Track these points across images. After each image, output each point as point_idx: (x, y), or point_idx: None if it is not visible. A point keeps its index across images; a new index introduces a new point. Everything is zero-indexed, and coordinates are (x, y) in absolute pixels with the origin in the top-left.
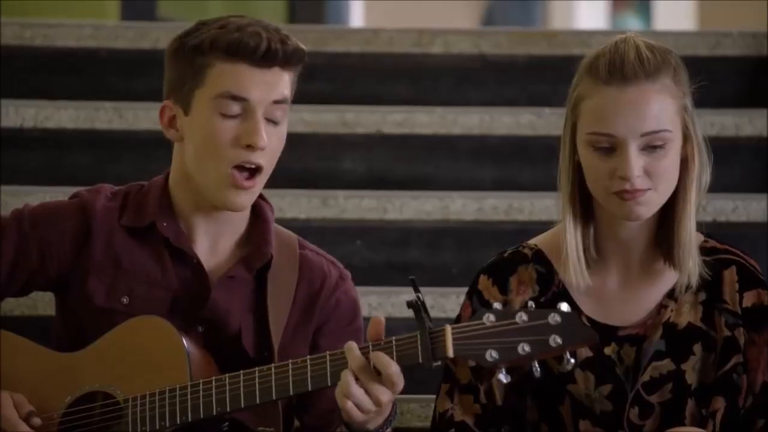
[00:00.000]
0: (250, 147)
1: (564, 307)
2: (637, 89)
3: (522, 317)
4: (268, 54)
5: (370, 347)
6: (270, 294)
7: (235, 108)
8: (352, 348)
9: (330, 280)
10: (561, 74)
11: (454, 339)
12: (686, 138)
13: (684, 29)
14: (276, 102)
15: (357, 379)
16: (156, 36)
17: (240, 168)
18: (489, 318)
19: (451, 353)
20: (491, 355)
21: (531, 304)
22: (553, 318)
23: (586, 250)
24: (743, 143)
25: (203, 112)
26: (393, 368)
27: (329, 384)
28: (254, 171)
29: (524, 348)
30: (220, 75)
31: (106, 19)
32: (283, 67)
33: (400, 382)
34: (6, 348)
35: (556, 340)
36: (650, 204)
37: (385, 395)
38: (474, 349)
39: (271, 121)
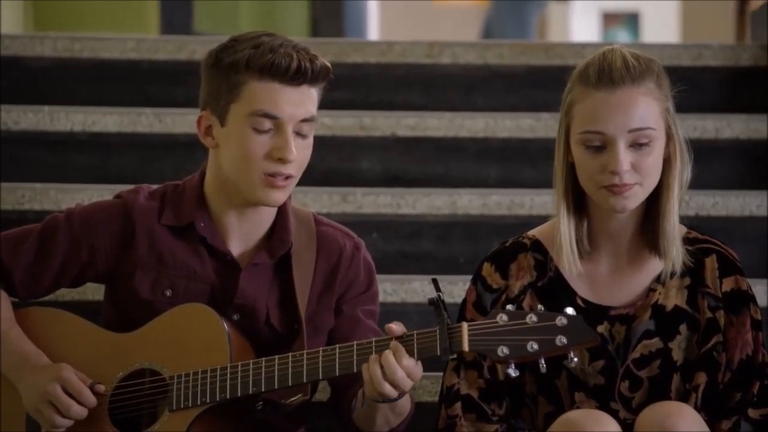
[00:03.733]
0: (281, 160)
1: (570, 310)
2: (624, 92)
3: (532, 318)
4: (298, 73)
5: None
6: (294, 273)
7: (267, 124)
8: (373, 364)
9: (346, 252)
10: (558, 82)
11: (469, 335)
12: (669, 138)
13: (669, 42)
14: (304, 120)
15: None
16: (192, 48)
17: (271, 175)
18: (502, 317)
19: (466, 347)
20: (502, 351)
21: (540, 307)
22: (560, 320)
23: (579, 241)
24: (723, 145)
25: (238, 126)
26: (411, 366)
27: (355, 371)
28: (285, 177)
29: (533, 346)
30: (254, 93)
31: (147, 33)
32: (311, 84)
33: (419, 374)
34: (63, 325)
35: (561, 340)
36: (635, 198)
37: (407, 385)
38: (487, 345)
39: (300, 135)
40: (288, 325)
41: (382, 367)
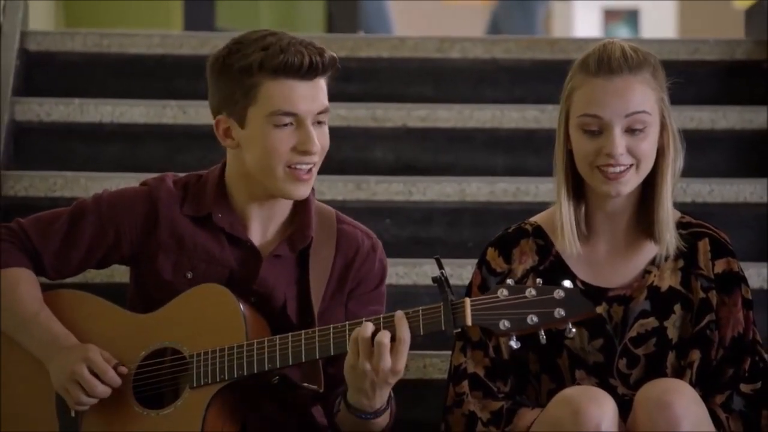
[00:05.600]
0: (305, 152)
1: (567, 283)
2: (622, 80)
3: (531, 292)
4: (311, 68)
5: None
6: (311, 268)
7: (287, 120)
8: (365, 334)
9: (363, 250)
10: (562, 75)
11: (472, 310)
12: (663, 127)
13: (667, 37)
14: (320, 113)
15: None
16: (215, 44)
17: (296, 167)
18: (503, 292)
19: (469, 322)
20: (504, 324)
21: (539, 281)
22: (558, 293)
23: (577, 224)
24: (718, 135)
25: (259, 127)
26: (406, 335)
27: None
28: (308, 170)
29: (533, 319)
30: (270, 93)
31: (171, 29)
32: (322, 76)
33: (404, 351)
34: (89, 307)
35: (560, 312)
36: (630, 183)
37: (386, 364)
38: (489, 319)
39: (318, 123)
40: (302, 318)
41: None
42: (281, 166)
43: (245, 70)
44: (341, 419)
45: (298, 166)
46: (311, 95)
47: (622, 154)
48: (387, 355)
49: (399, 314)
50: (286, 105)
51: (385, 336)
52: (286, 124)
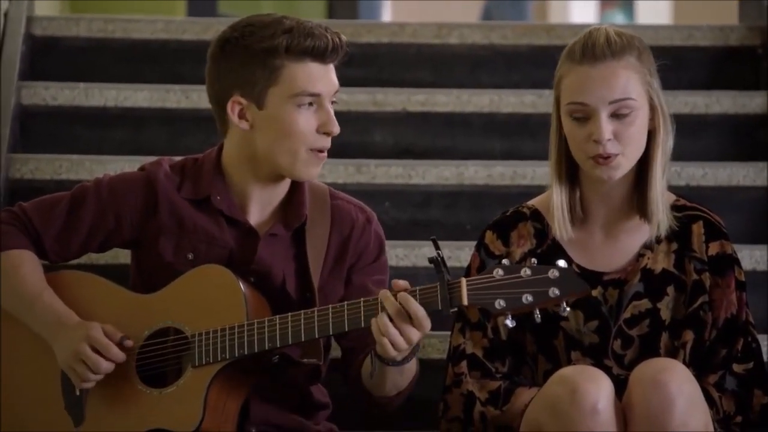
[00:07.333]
0: (327, 134)
1: (561, 263)
2: (606, 66)
3: (526, 272)
4: (333, 51)
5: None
6: (308, 244)
7: (309, 100)
8: (388, 295)
9: (358, 224)
10: (557, 61)
11: (468, 290)
12: (653, 110)
13: (662, 23)
14: (335, 93)
15: (392, 321)
16: (217, 29)
17: (314, 149)
18: (498, 272)
19: (465, 302)
20: (499, 303)
21: (533, 260)
22: (552, 273)
23: (572, 208)
24: (711, 120)
25: (281, 108)
26: (420, 312)
27: (363, 326)
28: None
29: (527, 298)
30: (295, 75)
31: (175, 15)
32: (339, 58)
33: (427, 324)
34: (92, 287)
35: (554, 291)
36: (620, 168)
37: (414, 335)
38: (485, 298)
39: (331, 104)
40: (301, 293)
41: (390, 318)
42: (304, 148)
43: (269, 52)
44: (372, 382)
45: (320, 148)
46: (328, 77)
47: (610, 140)
48: (417, 333)
49: (402, 295)
50: (310, 86)
51: (410, 332)
52: (307, 105)
